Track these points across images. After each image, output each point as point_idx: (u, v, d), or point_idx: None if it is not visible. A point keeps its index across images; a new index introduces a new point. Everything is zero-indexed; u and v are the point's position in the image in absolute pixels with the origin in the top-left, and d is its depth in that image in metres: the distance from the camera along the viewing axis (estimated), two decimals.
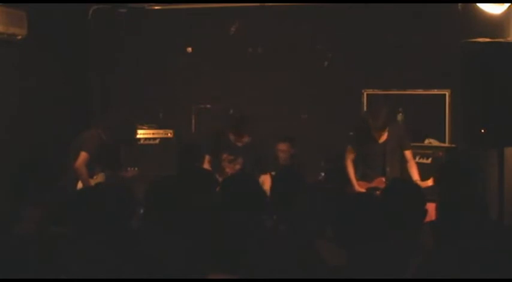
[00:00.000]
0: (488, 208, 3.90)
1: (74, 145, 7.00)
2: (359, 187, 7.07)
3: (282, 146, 7.94)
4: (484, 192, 6.21)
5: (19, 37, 7.50)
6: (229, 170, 6.67)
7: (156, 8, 8.88)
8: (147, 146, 8.24)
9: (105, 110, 8.45)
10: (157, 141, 8.26)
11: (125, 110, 8.10)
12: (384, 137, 7.03)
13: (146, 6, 8.83)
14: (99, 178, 7.15)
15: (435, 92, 8.35)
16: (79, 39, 8.51)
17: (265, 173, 6.67)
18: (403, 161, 7.10)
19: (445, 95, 8.27)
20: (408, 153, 7.06)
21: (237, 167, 6.65)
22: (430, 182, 6.60)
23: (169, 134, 8.37)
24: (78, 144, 6.96)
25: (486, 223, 3.72)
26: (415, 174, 6.93)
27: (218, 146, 6.70)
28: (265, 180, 6.58)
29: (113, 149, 7.24)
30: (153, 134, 8.32)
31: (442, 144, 7.99)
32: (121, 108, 8.27)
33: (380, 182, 6.99)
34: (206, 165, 6.70)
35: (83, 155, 6.84)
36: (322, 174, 7.92)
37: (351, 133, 7.71)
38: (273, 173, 7.27)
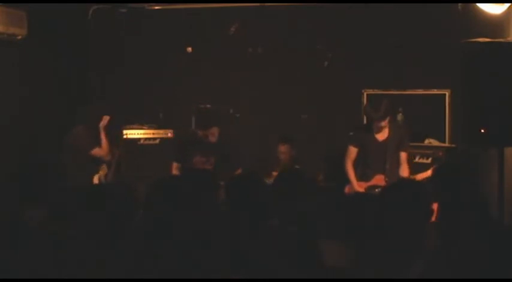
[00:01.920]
0: (488, 207, 3.90)
1: (66, 147, 7.05)
2: (359, 187, 7.07)
3: (282, 148, 7.95)
4: (484, 192, 6.20)
5: (19, 37, 7.51)
6: None
7: (156, 8, 8.88)
8: (147, 146, 8.24)
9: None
10: (157, 141, 8.26)
11: (105, 105, 8.07)
12: (385, 135, 7.01)
13: (146, 6, 8.83)
14: (103, 170, 7.25)
15: (435, 92, 8.35)
16: (79, 39, 8.51)
17: (236, 170, 6.68)
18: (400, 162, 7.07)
19: (445, 95, 8.27)
20: (403, 155, 7.02)
21: (210, 167, 6.62)
22: (428, 173, 6.63)
23: (169, 134, 8.37)
24: (70, 145, 7.01)
25: (486, 223, 3.72)
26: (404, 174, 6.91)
27: (190, 151, 6.67)
28: None
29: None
30: (153, 134, 8.32)
31: (442, 144, 8.00)
32: (102, 104, 8.22)
33: (379, 179, 6.99)
34: (175, 172, 6.69)
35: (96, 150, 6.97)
36: (322, 174, 7.92)
37: (351, 133, 7.72)
38: (274, 173, 7.26)
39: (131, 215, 3.65)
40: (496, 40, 5.51)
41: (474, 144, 5.72)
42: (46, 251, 3.30)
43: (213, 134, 6.63)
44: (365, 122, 7.80)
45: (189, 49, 8.88)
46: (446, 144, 8.04)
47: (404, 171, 6.98)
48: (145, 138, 8.29)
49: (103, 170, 7.30)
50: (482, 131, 5.26)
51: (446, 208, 3.79)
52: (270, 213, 3.94)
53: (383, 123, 6.96)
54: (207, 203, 3.91)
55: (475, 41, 5.39)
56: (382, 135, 7.05)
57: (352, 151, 7.16)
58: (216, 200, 4.21)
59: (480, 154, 6.84)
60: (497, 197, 5.43)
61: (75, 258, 3.31)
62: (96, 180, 7.09)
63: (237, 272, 3.14)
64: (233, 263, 3.29)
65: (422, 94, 8.40)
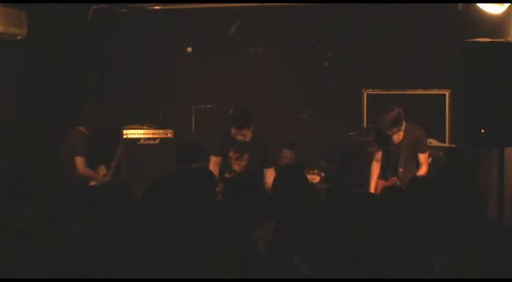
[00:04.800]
0: (486, 208, 3.90)
1: (64, 148, 7.04)
2: (377, 186, 7.01)
3: (286, 153, 7.98)
4: (483, 192, 6.20)
5: (19, 37, 7.50)
6: (236, 167, 6.80)
7: (156, 8, 8.88)
8: (147, 146, 8.22)
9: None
10: (157, 141, 8.24)
11: (101, 104, 8.07)
12: (399, 137, 6.94)
13: (146, 6, 8.83)
14: (102, 171, 7.23)
15: (435, 92, 8.35)
16: (79, 39, 8.50)
17: (269, 167, 6.74)
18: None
19: (445, 95, 8.27)
20: (422, 156, 6.90)
21: (243, 163, 6.76)
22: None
23: (169, 134, 8.35)
24: (68, 147, 7.00)
25: (486, 223, 3.72)
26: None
27: (225, 145, 6.77)
28: (270, 174, 6.62)
29: (103, 142, 7.29)
30: (153, 134, 8.30)
31: (442, 144, 7.99)
32: (97, 103, 8.21)
33: (393, 181, 6.95)
34: (212, 166, 6.74)
35: (80, 160, 6.90)
36: (322, 174, 7.92)
37: (351, 133, 7.72)
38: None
39: (128, 214, 3.65)
40: (496, 40, 5.51)
41: (474, 144, 5.71)
42: (44, 252, 3.30)
43: (243, 135, 6.69)
44: (365, 122, 7.81)
45: (189, 49, 8.89)
46: (446, 144, 8.03)
47: (420, 172, 6.86)
48: (145, 138, 8.28)
49: (101, 171, 7.28)
50: (482, 131, 5.26)
51: (447, 208, 3.79)
52: (268, 214, 3.94)
53: (389, 132, 6.89)
54: (206, 202, 3.91)
55: (475, 41, 5.39)
56: (397, 138, 6.97)
57: (377, 152, 7.13)
58: (215, 200, 4.22)
59: (480, 154, 6.83)
60: (497, 197, 5.43)
61: (73, 258, 3.31)
62: (92, 182, 7.05)
63: (235, 271, 3.14)
64: (230, 263, 3.29)
65: (422, 94, 8.40)
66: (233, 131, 6.70)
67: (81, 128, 7.09)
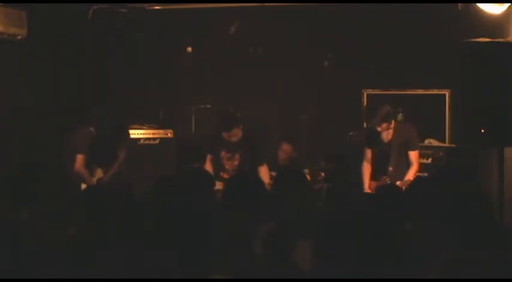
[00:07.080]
0: (490, 208, 3.90)
1: (68, 147, 7.05)
2: (369, 187, 7.00)
3: (285, 147, 7.98)
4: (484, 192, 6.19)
5: (19, 37, 7.50)
6: (228, 166, 6.85)
7: (156, 8, 8.88)
8: (147, 146, 8.24)
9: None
10: (157, 141, 8.27)
11: (112, 106, 8.08)
12: (389, 136, 6.93)
13: (146, 6, 8.83)
14: (98, 174, 7.22)
15: (435, 92, 8.35)
16: (79, 39, 8.50)
17: (261, 164, 6.76)
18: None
19: (445, 95, 8.27)
20: (412, 154, 6.87)
21: (235, 163, 6.81)
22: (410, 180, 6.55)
23: (169, 134, 8.37)
24: (72, 146, 7.02)
25: (486, 223, 3.72)
26: (408, 175, 6.78)
27: (217, 145, 6.80)
28: (263, 172, 6.65)
29: (105, 145, 7.30)
30: (153, 134, 8.32)
31: (442, 144, 7.99)
32: (109, 105, 8.23)
33: (383, 181, 6.94)
34: (208, 164, 6.80)
35: (80, 158, 6.92)
36: (322, 174, 7.92)
37: (351, 133, 7.71)
38: (273, 173, 7.28)
39: (129, 214, 3.65)
40: (496, 40, 5.52)
41: (474, 144, 5.72)
42: (43, 252, 3.30)
43: (233, 137, 6.71)
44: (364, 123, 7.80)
45: (189, 49, 8.89)
46: (446, 144, 8.03)
47: (410, 172, 6.85)
48: (145, 138, 8.30)
49: (98, 174, 7.28)
50: (482, 131, 5.27)
51: (448, 209, 3.79)
52: (267, 214, 3.94)
53: (379, 128, 6.87)
54: (205, 202, 3.92)
55: (475, 41, 5.40)
56: (386, 136, 6.97)
57: (367, 152, 7.11)
58: (213, 199, 4.22)
59: (480, 154, 6.83)
60: (497, 197, 5.43)
61: (72, 259, 3.31)
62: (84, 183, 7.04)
63: (234, 271, 3.14)
64: (229, 262, 3.29)
65: (422, 94, 8.40)
66: (223, 134, 6.73)
67: (91, 129, 7.11)
